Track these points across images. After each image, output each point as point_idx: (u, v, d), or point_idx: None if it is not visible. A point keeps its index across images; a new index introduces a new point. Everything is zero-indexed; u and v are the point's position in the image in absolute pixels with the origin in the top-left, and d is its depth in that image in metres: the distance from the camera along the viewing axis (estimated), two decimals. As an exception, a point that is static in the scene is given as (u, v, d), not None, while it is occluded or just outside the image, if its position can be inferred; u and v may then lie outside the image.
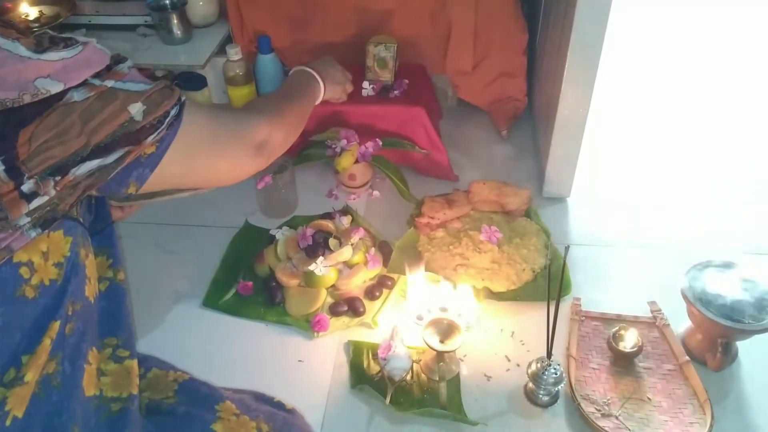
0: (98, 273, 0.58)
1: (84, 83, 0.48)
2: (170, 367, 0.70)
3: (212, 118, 0.64)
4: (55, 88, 0.46)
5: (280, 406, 0.77)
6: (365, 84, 1.50)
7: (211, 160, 0.63)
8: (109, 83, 0.50)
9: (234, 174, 0.68)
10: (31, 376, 0.49)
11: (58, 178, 0.47)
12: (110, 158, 0.50)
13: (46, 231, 0.49)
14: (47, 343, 0.50)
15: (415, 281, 1.15)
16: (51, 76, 0.46)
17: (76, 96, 0.47)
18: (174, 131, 0.55)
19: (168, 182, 0.59)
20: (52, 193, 0.47)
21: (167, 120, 0.54)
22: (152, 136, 0.53)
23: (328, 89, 1.09)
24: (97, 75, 0.50)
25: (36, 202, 0.46)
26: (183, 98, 0.57)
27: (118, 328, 0.60)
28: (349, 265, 1.24)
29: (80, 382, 0.54)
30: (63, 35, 0.50)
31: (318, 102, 1.08)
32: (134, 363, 0.60)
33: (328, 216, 1.37)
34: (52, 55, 0.47)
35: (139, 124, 0.51)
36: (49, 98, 0.46)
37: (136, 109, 0.51)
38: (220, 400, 0.67)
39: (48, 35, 0.49)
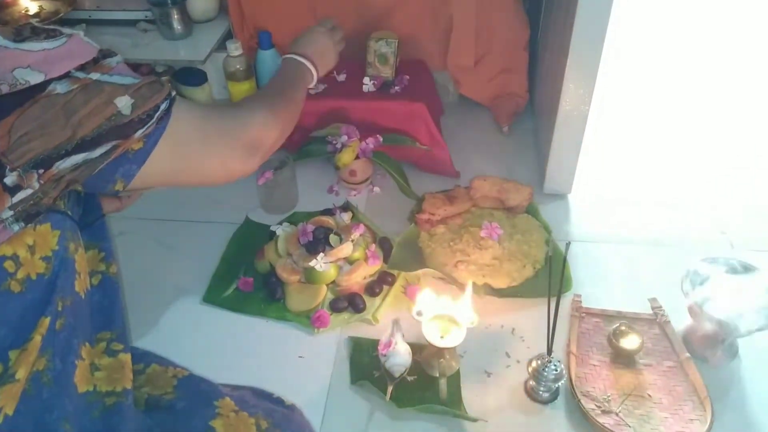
0: (90, 267, 0.57)
1: (67, 75, 0.47)
2: (170, 363, 0.70)
3: (203, 115, 0.62)
4: (35, 78, 0.45)
5: (279, 402, 0.77)
6: (366, 80, 1.49)
7: (200, 158, 0.61)
8: (95, 76, 0.49)
9: (225, 174, 0.66)
10: (22, 373, 0.48)
11: (41, 171, 0.46)
12: (96, 152, 0.49)
13: (32, 224, 0.48)
14: (37, 339, 0.49)
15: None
16: (31, 67, 0.45)
17: (59, 88, 0.46)
18: (162, 127, 0.54)
19: (155, 179, 0.57)
20: (36, 186, 0.46)
21: (157, 114, 0.53)
22: (141, 131, 0.52)
23: (321, 67, 1.03)
24: (81, 68, 0.49)
25: (20, 196, 0.45)
26: (173, 93, 0.56)
27: (111, 322, 0.59)
28: (349, 262, 1.24)
29: (72, 379, 0.53)
30: (47, 27, 0.49)
31: (314, 84, 1.03)
32: (128, 357, 0.59)
33: (328, 212, 1.37)
34: (33, 45, 0.46)
35: (127, 117, 0.50)
36: (30, 89, 0.45)
37: (123, 102, 0.50)
38: (219, 397, 0.67)
39: (30, 26, 0.49)
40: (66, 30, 0.50)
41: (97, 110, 0.48)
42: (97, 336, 0.57)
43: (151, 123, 0.53)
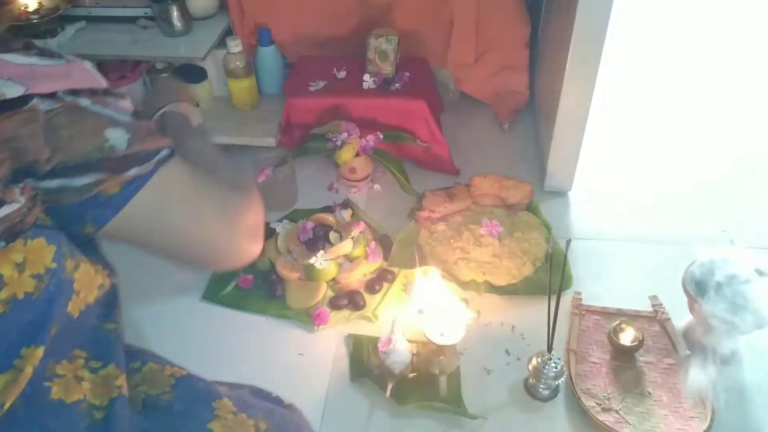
0: (94, 281, 0.53)
1: (53, 95, 0.44)
2: (167, 361, 0.68)
3: (202, 181, 0.56)
4: (13, 92, 0.42)
5: (278, 401, 0.76)
6: (366, 77, 1.49)
7: (187, 225, 0.54)
8: (84, 102, 0.46)
9: (226, 254, 0.59)
10: (9, 403, 0.46)
11: (20, 185, 0.43)
12: (76, 181, 0.45)
13: (22, 239, 0.44)
14: (28, 371, 0.46)
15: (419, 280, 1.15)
16: (12, 79, 0.42)
17: (43, 105, 0.43)
18: (149, 174, 0.49)
19: (131, 233, 0.51)
20: (21, 200, 0.43)
21: (157, 157, 0.49)
22: (137, 169, 0.48)
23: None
24: (73, 92, 0.45)
25: (4, 210, 0.42)
26: (174, 147, 0.52)
27: (89, 340, 0.54)
28: (349, 259, 1.24)
29: (47, 397, 0.50)
30: (48, 49, 0.47)
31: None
32: (110, 369, 0.55)
33: (328, 209, 1.36)
34: (18, 58, 0.44)
35: (121, 151, 0.46)
36: (11, 102, 0.42)
37: (115, 134, 0.46)
38: (218, 398, 0.65)
39: (24, 41, 0.46)
40: (70, 57, 0.47)
41: (81, 137, 0.45)
42: (74, 353, 0.53)
43: (149, 164, 0.48)
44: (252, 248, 0.61)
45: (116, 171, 0.47)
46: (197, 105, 0.93)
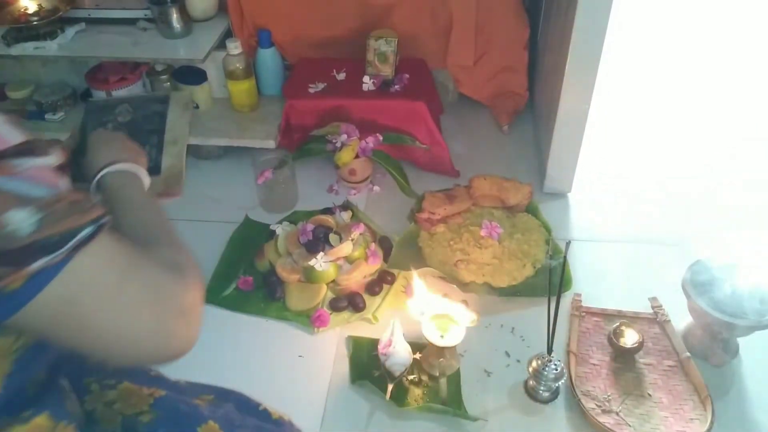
0: (10, 348, 0.45)
1: None
2: (144, 382, 0.61)
3: (131, 263, 0.46)
4: None
5: (266, 416, 0.71)
6: (366, 78, 1.49)
7: (107, 319, 0.44)
8: None
9: (153, 349, 0.47)
10: None
11: None
12: None
13: None
14: None
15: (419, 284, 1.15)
16: None
17: None
18: (60, 265, 0.39)
19: (39, 327, 0.42)
20: None
21: (72, 242, 0.39)
22: (45, 259, 0.38)
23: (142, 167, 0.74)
24: None
25: None
26: (104, 219, 0.43)
27: (10, 403, 0.46)
28: (349, 261, 1.24)
29: None
30: None
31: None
32: (42, 419, 0.48)
33: (328, 211, 1.36)
34: None
35: (26, 237, 0.37)
36: None
37: (19, 217, 0.37)
38: (202, 421, 0.60)
39: None
40: None
41: None
42: None
43: (59, 253, 0.39)
44: (186, 336, 0.49)
45: (17, 264, 0.37)
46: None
